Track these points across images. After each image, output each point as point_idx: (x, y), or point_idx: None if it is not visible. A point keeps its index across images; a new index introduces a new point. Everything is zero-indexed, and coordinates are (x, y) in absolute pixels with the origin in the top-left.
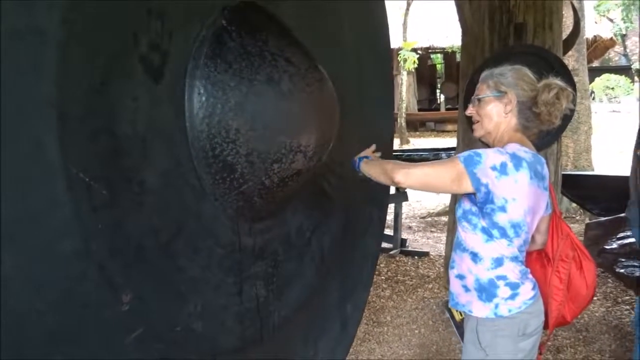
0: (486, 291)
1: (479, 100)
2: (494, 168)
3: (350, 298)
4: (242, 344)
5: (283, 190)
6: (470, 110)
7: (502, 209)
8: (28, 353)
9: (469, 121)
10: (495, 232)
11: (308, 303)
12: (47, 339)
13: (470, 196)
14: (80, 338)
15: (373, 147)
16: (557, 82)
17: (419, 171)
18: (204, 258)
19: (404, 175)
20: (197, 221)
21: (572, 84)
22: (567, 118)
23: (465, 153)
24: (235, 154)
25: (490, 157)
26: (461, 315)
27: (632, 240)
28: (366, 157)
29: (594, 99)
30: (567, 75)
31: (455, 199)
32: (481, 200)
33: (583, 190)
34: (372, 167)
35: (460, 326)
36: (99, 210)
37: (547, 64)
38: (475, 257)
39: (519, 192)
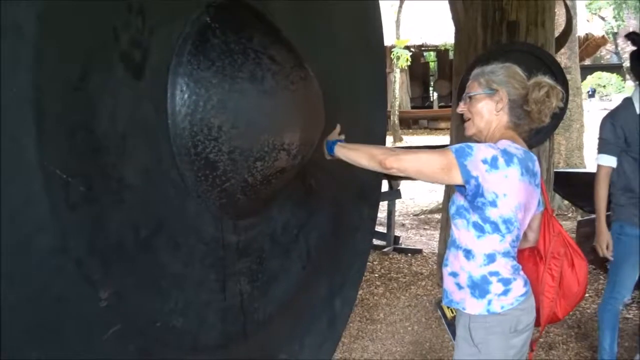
0: (479, 288)
1: (470, 97)
2: (484, 161)
3: (339, 294)
4: (224, 340)
5: (267, 188)
6: (461, 108)
7: (493, 203)
8: (3, 350)
9: (462, 119)
10: (487, 227)
11: (294, 300)
12: (22, 336)
13: (462, 190)
14: (57, 334)
15: (338, 128)
16: (547, 80)
17: (410, 156)
18: (185, 254)
19: (396, 160)
20: (179, 218)
21: (565, 82)
22: (558, 117)
23: (457, 145)
24: (217, 151)
25: (482, 150)
26: (452, 312)
27: None
28: (339, 140)
29: (592, 95)
30: (559, 73)
31: (449, 196)
32: (471, 194)
33: (575, 187)
34: (352, 151)
35: (451, 324)
36: (77, 206)
37: (540, 61)
38: (468, 254)
39: (509, 187)
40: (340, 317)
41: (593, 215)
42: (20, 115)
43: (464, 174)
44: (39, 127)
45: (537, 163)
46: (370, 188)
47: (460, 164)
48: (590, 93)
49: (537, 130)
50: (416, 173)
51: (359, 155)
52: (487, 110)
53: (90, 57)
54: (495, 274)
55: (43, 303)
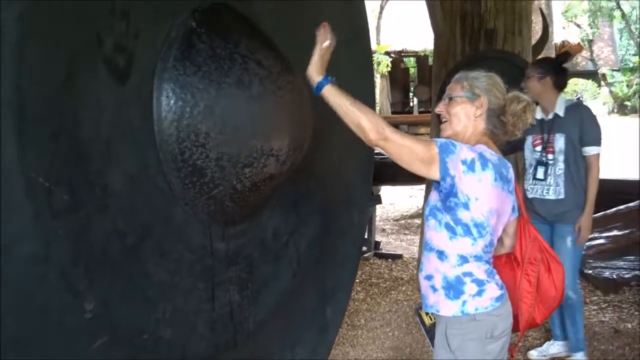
0: (453, 288)
1: (451, 98)
2: (464, 162)
3: (330, 302)
4: (214, 350)
5: (256, 195)
6: (440, 108)
7: (465, 205)
8: None
9: (439, 120)
10: (459, 229)
11: (285, 307)
12: (4, 346)
13: (437, 186)
14: (40, 346)
15: (328, 42)
16: (525, 96)
17: (396, 140)
18: (173, 263)
19: (382, 139)
20: (165, 225)
21: None
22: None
23: (443, 140)
24: (205, 158)
25: (463, 151)
26: (431, 319)
27: (600, 242)
28: (330, 79)
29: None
30: None
31: None
32: (444, 192)
33: None
34: (341, 104)
35: (430, 330)
36: (61, 214)
37: (517, 69)
38: (441, 255)
39: (481, 191)
40: (332, 324)
41: None
42: (1, 120)
43: (442, 170)
44: (21, 133)
45: (511, 170)
46: (359, 193)
47: (441, 160)
48: (578, 98)
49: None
50: (397, 157)
51: (347, 114)
52: (466, 114)
53: (73, 61)
54: (469, 274)
55: (25, 313)
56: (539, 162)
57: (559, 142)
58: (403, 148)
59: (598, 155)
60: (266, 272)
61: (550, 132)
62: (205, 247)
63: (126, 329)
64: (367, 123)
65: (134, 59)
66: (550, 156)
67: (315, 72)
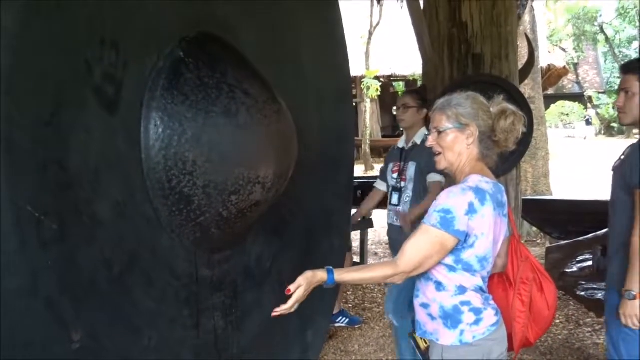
0: (451, 318)
1: (440, 132)
2: (465, 213)
3: (311, 325)
4: None
5: (242, 222)
6: (430, 142)
7: (471, 245)
8: None
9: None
10: (459, 267)
11: (267, 332)
12: None
13: None
14: None
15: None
16: (510, 107)
17: (415, 264)
18: (159, 291)
19: (406, 274)
20: (152, 253)
21: (529, 112)
22: (525, 144)
23: (437, 216)
24: (192, 185)
25: (459, 205)
26: (426, 343)
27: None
28: (330, 272)
29: (589, 123)
30: (523, 103)
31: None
32: (459, 243)
33: (542, 214)
34: (356, 278)
35: (425, 354)
36: (49, 245)
37: (505, 93)
38: (439, 285)
39: (485, 226)
40: (312, 347)
41: (561, 242)
42: None
43: (459, 236)
44: (9, 162)
45: (504, 193)
46: (340, 219)
47: (452, 232)
48: (587, 120)
49: (504, 159)
50: (425, 270)
51: (365, 281)
52: (458, 144)
53: (63, 91)
54: (467, 303)
55: (11, 345)
56: (394, 189)
57: (410, 170)
58: (424, 263)
59: (439, 183)
60: (250, 297)
61: (406, 160)
62: (191, 275)
63: (112, 358)
64: (387, 274)
65: (122, 88)
66: (403, 183)
67: (316, 281)
